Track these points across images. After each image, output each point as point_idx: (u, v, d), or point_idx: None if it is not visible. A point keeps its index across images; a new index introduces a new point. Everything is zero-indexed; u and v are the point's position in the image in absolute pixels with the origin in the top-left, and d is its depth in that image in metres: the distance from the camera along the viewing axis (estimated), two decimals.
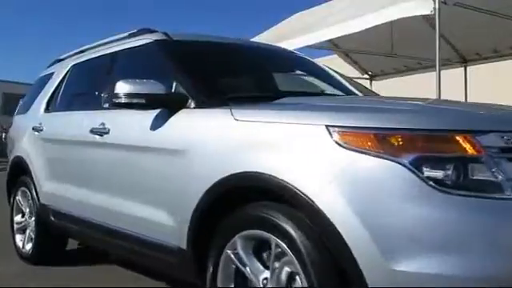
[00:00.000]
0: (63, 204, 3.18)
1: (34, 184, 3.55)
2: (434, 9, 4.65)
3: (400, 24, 5.75)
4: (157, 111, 2.33)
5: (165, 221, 2.21)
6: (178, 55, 2.55)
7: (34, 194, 3.56)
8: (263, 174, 1.73)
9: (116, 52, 3.03)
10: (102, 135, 2.72)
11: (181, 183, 2.12)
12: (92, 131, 2.80)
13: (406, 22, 5.49)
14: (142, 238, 2.36)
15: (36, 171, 3.50)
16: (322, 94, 2.84)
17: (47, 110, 3.67)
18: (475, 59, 8.44)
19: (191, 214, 2.03)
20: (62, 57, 4.06)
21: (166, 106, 2.28)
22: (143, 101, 2.22)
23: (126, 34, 3.12)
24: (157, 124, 2.31)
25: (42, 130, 3.52)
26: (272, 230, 1.71)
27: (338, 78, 3.20)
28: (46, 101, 3.71)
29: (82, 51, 3.66)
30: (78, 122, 3.04)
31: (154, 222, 2.28)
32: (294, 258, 1.62)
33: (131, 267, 3.38)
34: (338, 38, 6.88)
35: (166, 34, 2.74)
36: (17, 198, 3.90)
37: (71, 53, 3.84)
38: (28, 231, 3.73)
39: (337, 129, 1.60)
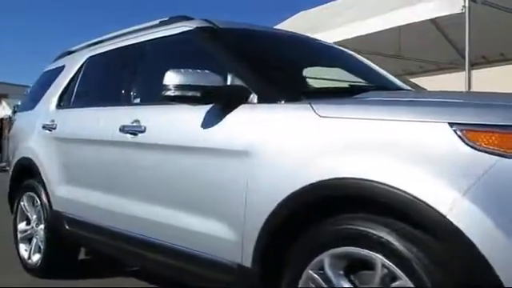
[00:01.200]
0: (82, 211, 2.83)
1: (44, 188, 3.19)
2: (464, 7, 4.49)
3: (407, 27, 5.59)
4: (208, 107, 2.03)
5: (221, 234, 1.90)
6: (232, 44, 2.24)
7: (45, 199, 3.20)
8: (365, 180, 1.45)
9: (145, 42, 2.71)
10: (135, 134, 2.40)
11: (244, 191, 1.82)
12: (122, 130, 2.47)
13: (413, 25, 5.34)
14: (190, 253, 2.05)
15: (48, 174, 3.14)
16: (396, 88, 2.56)
17: (59, 106, 3.31)
18: (481, 63, 8.36)
19: (260, 228, 1.73)
20: (73, 49, 3.71)
21: (223, 101, 1.98)
22: (198, 94, 1.92)
23: (155, 22, 2.81)
24: (211, 121, 2.00)
25: (54, 129, 3.16)
26: (376, 247, 1.43)
27: (384, 72, 2.94)
28: (57, 96, 3.35)
29: (98, 42, 3.32)
30: (103, 120, 2.71)
31: (206, 235, 1.98)
32: (410, 282, 1.35)
33: (148, 279, 3.11)
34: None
35: (208, 21, 2.43)
36: (21, 203, 3.52)
37: (84, 44, 3.50)
38: (35, 240, 3.37)
39: (466, 127, 1.34)
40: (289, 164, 1.69)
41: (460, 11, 4.49)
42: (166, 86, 1.94)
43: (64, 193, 3.01)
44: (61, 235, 3.07)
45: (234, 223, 1.85)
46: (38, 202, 3.31)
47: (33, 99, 3.83)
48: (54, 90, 3.44)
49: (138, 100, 2.59)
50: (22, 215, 3.56)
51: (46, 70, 3.91)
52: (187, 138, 2.10)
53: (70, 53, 3.70)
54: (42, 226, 3.33)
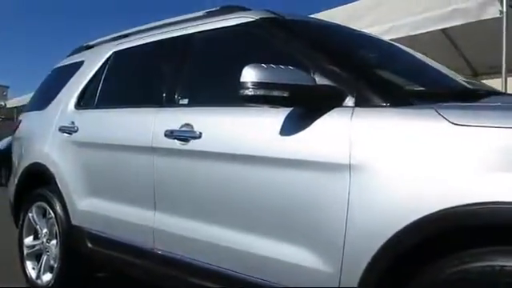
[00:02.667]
0: (110, 228, 2.46)
1: (60, 199, 2.80)
2: (501, 11, 4.28)
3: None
4: (288, 110, 1.70)
5: (309, 264, 1.57)
6: (312, 38, 1.92)
7: (60, 211, 2.82)
8: None
9: (192, 35, 2.36)
10: (187, 140, 2.05)
11: (343, 213, 1.49)
12: (169, 135, 2.12)
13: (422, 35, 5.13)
14: (263, 285, 1.71)
15: (66, 183, 2.75)
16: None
17: (79, 106, 2.92)
18: (487, 73, 8.24)
19: (366, 260, 1.41)
20: (91, 43, 3.33)
21: (313, 104, 1.65)
22: (286, 94, 1.58)
23: (201, 14, 2.47)
24: (294, 127, 1.67)
25: (75, 132, 2.78)
26: None
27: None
28: (76, 95, 2.96)
29: (124, 36, 2.96)
30: (140, 123, 2.35)
31: (287, 263, 1.64)
32: None
33: None
34: None
35: (271, 11, 2.11)
36: (29, 215, 3.12)
37: (107, 38, 3.12)
38: (45, 257, 2.97)
39: None
40: (411, 183, 1.37)
41: (493, 16, 4.28)
42: (243, 83, 1.60)
43: (87, 206, 2.63)
44: (80, 253, 2.68)
45: (329, 252, 1.53)
46: (51, 214, 2.91)
47: (43, 98, 3.43)
48: (71, 89, 3.05)
49: (184, 101, 2.23)
50: (30, 228, 3.16)
51: (59, 66, 3.51)
52: (262, 146, 1.76)
53: (88, 47, 3.32)
54: (54, 242, 2.94)
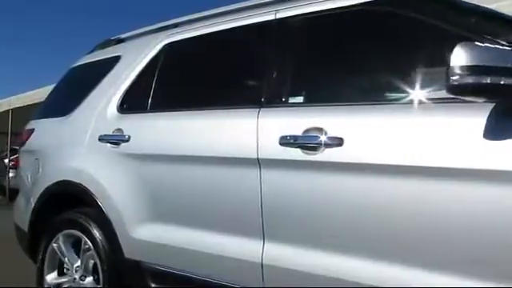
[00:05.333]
0: (190, 264, 1.93)
1: (105, 225, 2.23)
2: None
3: None
4: (489, 107, 1.29)
5: None
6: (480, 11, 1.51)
7: (104, 241, 2.26)
8: None
9: (284, 19, 1.88)
10: (316, 149, 1.57)
11: None
12: (289, 143, 1.64)
13: None
14: None
15: (116, 206, 2.19)
16: None
17: (124, 109, 2.37)
18: None
19: None
20: (123, 36, 2.78)
21: None
22: None
23: None
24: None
25: (126, 141, 2.21)
26: None
27: None
28: (118, 96, 2.40)
29: (177, 24, 2.44)
30: (234, 128, 1.85)
31: None
32: None
33: None
34: None
35: None
36: (54, 245, 2.51)
37: (151, 28, 2.59)
38: None
39: None
40: None
41: None
42: (453, 69, 1.17)
43: (149, 234, 2.08)
44: None
45: None
46: (89, 244, 2.33)
47: (62, 102, 2.85)
48: (108, 89, 2.48)
49: (298, 99, 1.77)
50: (53, 262, 2.55)
51: (79, 64, 2.92)
52: (462, 156, 1.32)
53: (120, 41, 2.77)
54: (90, 279, 2.37)
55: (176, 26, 2.45)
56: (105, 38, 2.91)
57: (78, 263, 2.43)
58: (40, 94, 7.88)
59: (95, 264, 2.33)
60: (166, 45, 2.36)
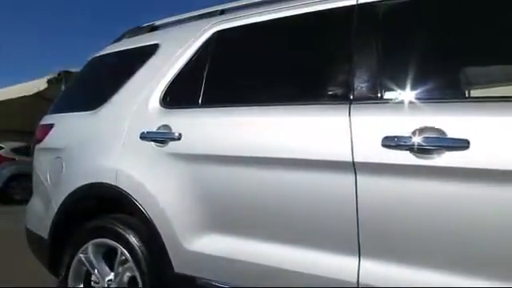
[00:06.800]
0: (261, 280, 1.69)
1: (149, 235, 1.97)
2: None
3: None
4: None
5: None
6: None
7: (146, 252, 1.99)
8: None
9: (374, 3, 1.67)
10: (431, 152, 1.36)
11: None
12: (395, 145, 1.41)
13: None
14: None
15: (164, 213, 1.92)
16: None
17: (169, 104, 2.10)
18: None
19: None
20: (158, 23, 2.51)
21: None
22: None
23: None
24: None
25: (176, 140, 1.95)
26: None
27: None
28: (161, 89, 2.14)
29: (228, 10, 2.19)
30: (319, 127, 1.61)
31: None
32: None
33: None
34: None
35: None
36: (81, 256, 2.23)
37: (196, 13, 2.33)
38: None
39: None
40: None
41: None
42: None
43: (206, 247, 1.83)
44: None
45: None
46: (126, 255, 2.06)
47: (87, 95, 2.56)
48: (146, 81, 2.21)
49: (396, 94, 1.54)
50: (79, 274, 2.27)
51: (106, 53, 2.63)
52: None
53: (154, 28, 2.50)
54: None
55: (222, 12, 2.21)
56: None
57: (111, 276, 2.16)
58: None
59: (133, 278, 2.07)
60: (215, 32, 2.11)
